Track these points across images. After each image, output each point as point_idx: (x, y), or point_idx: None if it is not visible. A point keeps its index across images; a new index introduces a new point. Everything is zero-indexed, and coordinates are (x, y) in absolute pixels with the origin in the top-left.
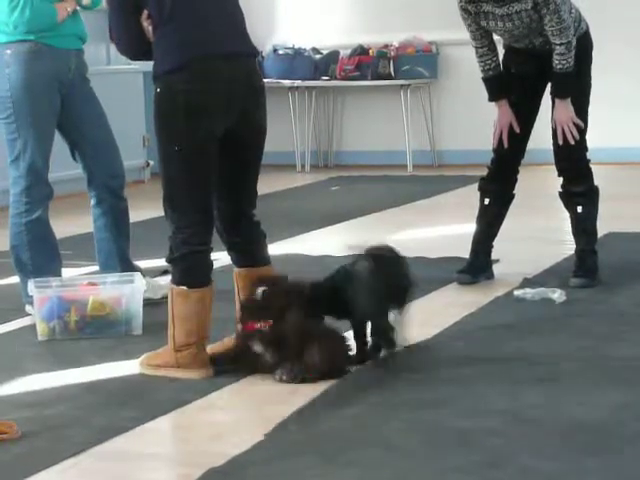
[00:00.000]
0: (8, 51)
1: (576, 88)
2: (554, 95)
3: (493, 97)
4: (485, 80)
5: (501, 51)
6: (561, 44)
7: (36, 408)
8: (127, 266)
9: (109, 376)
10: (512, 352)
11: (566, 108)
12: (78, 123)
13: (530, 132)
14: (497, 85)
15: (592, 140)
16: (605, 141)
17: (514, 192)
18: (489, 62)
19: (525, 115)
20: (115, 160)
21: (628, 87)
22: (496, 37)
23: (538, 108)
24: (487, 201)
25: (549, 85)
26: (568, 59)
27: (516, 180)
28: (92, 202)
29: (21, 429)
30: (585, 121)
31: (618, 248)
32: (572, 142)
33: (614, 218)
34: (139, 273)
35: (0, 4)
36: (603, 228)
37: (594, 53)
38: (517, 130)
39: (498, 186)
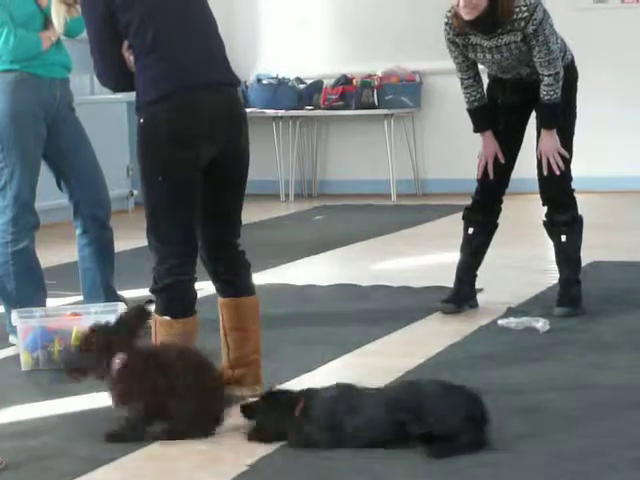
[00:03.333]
0: None
1: (562, 119)
2: (540, 126)
3: (478, 128)
4: (470, 111)
5: (485, 80)
6: (549, 75)
7: (20, 438)
8: (111, 296)
9: (93, 407)
10: (496, 381)
11: (552, 138)
12: (64, 152)
13: (514, 162)
14: (482, 116)
15: (576, 169)
16: (590, 170)
17: (498, 221)
18: (474, 93)
19: (510, 145)
20: (101, 190)
21: (613, 116)
22: (481, 67)
23: (522, 138)
24: (471, 230)
25: (533, 114)
26: (556, 90)
27: (500, 210)
28: (77, 232)
29: (5, 459)
30: (570, 151)
31: (602, 277)
32: (557, 172)
33: (598, 247)
34: (123, 303)
35: None
36: (587, 257)
37: (579, 81)
38: (502, 160)
39: (482, 216)
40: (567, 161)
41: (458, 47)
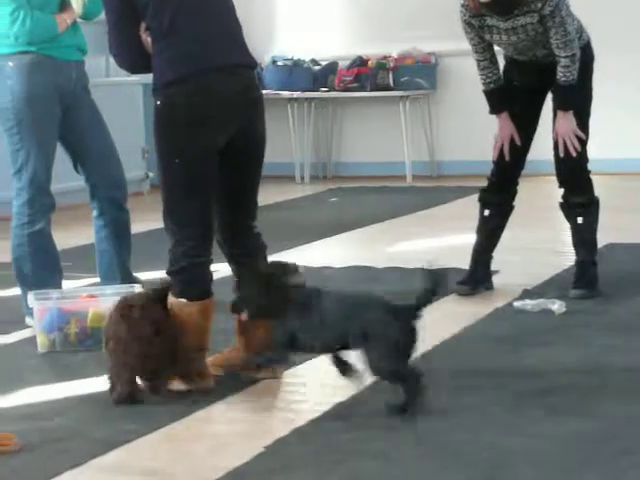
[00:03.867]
0: (10, 63)
1: (578, 100)
2: (556, 107)
3: (494, 110)
4: (486, 93)
5: (501, 62)
6: (566, 56)
7: (36, 420)
8: (128, 278)
9: (109, 389)
10: (512, 364)
11: (568, 120)
12: (80, 134)
13: (530, 144)
14: (498, 98)
15: (593, 151)
16: (606, 152)
17: (514, 203)
18: (490, 75)
19: (526, 127)
20: (117, 171)
21: (630, 97)
22: (497, 48)
23: (538, 119)
24: (487, 212)
25: (549, 96)
26: (572, 71)
27: (516, 191)
28: (94, 214)
29: (20, 441)
30: (586, 132)
31: (618, 259)
32: (574, 154)
33: (614, 229)
34: (139, 285)
35: (1, 16)
36: (603, 239)
37: (595, 63)
38: (518, 142)
39: (498, 197)
40: (583, 142)
41: (474, 29)
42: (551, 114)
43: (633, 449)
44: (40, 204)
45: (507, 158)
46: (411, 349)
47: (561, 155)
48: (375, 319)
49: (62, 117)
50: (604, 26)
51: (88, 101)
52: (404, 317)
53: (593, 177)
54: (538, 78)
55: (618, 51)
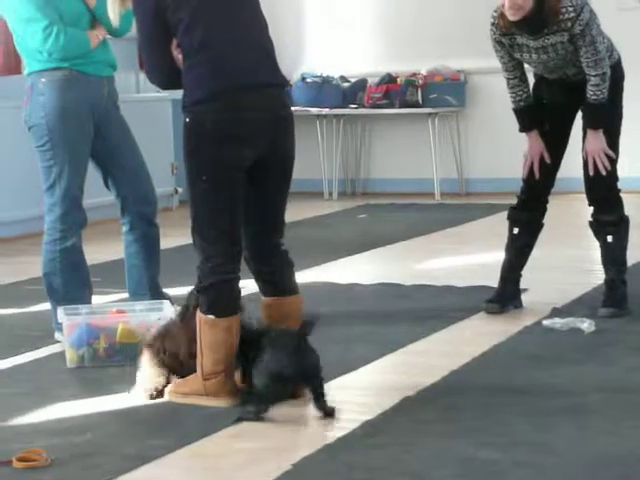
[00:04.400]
0: (43, 79)
1: (608, 119)
2: (586, 126)
3: (524, 128)
4: (516, 111)
5: (531, 79)
6: (596, 75)
7: (65, 436)
8: (157, 294)
9: (138, 404)
10: (541, 382)
11: (598, 139)
12: (111, 150)
13: (560, 162)
14: (528, 116)
15: (623, 168)
16: (635, 170)
17: (543, 221)
18: (520, 93)
19: (556, 145)
20: (148, 187)
21: None
22: (526, 66)
23: (568, 137)
24: (516, 230)
25: (579, 114)
26: (602, 90)
27: (545, 209)
28: (124, 229)
29: (50, 457)
30: (616, 151)
31: None
32: (604, 173)
33: None
34: (168, 301)
35: (34, 32)
36: (633, 257)
37: (625, 82)
38: (548, 161)
39: (528, 215)
40: (613, 161)
41: (504, 47)
42: (581, 132)
43: None
44: (72, 220)
45: (537, 176)
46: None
47: (591, 174)
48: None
49: (93, 133)
50: (633, 44)
51: (118, 117)
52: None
53: (623, 195)
54: (568, 96)
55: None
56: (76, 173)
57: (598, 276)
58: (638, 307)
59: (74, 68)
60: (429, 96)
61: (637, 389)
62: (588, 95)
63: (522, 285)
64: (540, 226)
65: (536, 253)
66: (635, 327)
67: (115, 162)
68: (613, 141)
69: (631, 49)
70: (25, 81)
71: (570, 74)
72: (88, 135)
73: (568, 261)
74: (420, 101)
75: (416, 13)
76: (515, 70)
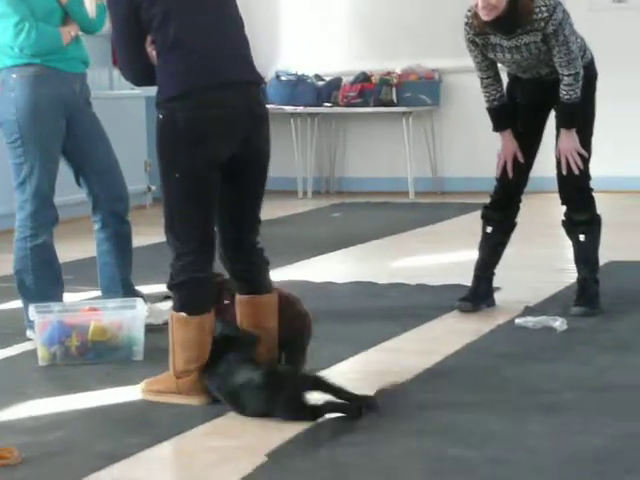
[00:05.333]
0: (14, 75)
1: (581, 118)
2: (559, 125)
3: (498, 127)
4: (490, 110)
5: (505, 79)
6: (569, 75)
7: (37, 434)
8: (129, 291)
9: (110, 402)
10: (513, 380)
11: (571, 138)
12: (83, 147)
13: (533, 161)
14: (502, 115)
15: (596, 169)
16: (610, 170)
17: (516, 220)
18: (494, 92)
19: (529, 144)
20: (119, 184)
21: (634, 115)
22: (500, 66)
23: (541, 137)
24: (490, 229)
25: (552, 114)
26: (575, 89)
27: (519, 208)
28: (96, 227)
29: (21, 455)
30: (589, 150)
31: (621, 277)
32: (576, 172)
33: (617, 247)
34: (141, 299)
35: (4, 28)
36: (606, 257)
37: (598, 81)
38: (521, 160)
39: (501, 215)
40: (586, 161)
41: (478, 47)
42: (554, 131)
43: (635, 468)
44: (43, 217)
45: (510, 176)
46: None
47: (564, 173)
48: None
49: (67, 129)
50: (606, 44)
51: (90, 114)
52: None
53: (598, 194)
54: (541, 96)
55: (620, 69)
56: (47, 170)
57: (571, 275)
58: (610, 306)
59: (46, 64)
60: (404, 95)
61: (609, 387)
62: (561, 95)
63: (495, 284)
64: (513, 225)
65: (509, 252)
66: (607, 326)
67: (86, 159)
68: (586, 140)
69: (603, 49)
70: None
71: (543, 74)
72: (60, 132)
73: (541, 260)
74: (395, 100)
75: (391, 12)
76: (489, 70)
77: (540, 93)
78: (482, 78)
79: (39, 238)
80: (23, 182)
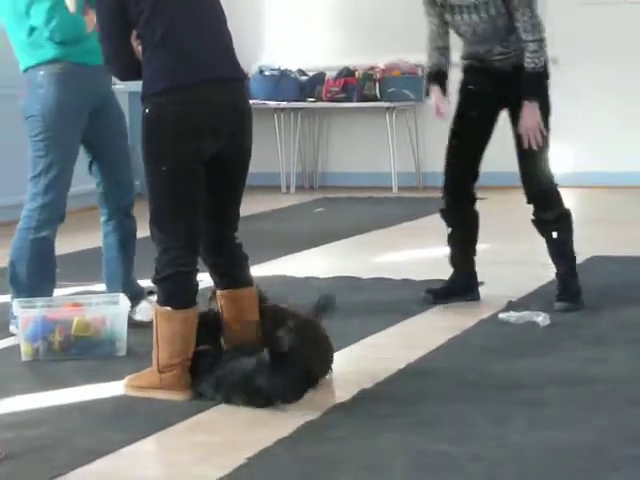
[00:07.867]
0: (41, 72)
1: (543, 96)
2: (523, 97)
3: (430, 83)
4: (431, 74)
5: (458, 75)
6: (533, 41)
7: (19, 429)
8: (131, 286)
9: (93, 397)
10: (496, 375)
11: (535, 113)
12: (103, 138)
13: (482, 153)
14: (435, 76)
15: (577, 163)
16: (589, 165)
17: (475, 208)
18: (441, 58)
19: (480, 133)
20: (129, 177)
21: (613, 111)
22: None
23: (492, 129)
24: (452, 229)
25: (504, 113)
26: (540, 57)
27: (474, 200)
28: (102, 219)
29: (4, 450)
30: (548, 147)
31: (602, 271)
32: (535, 148)
33: (598, 241)
34: (123, 294)
35: (37, 12)
36: (587, 252)
37: (568, 78)
38: (443, 110)
39: (459, 214)
40: (546, 160)
41: (436, 7)
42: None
43: (618, 463)
44: (51, 212)
45: (456, 171)
46: None
47: (525, 147)
48: None
49: (91, 119)
50: (577, 42)
51: (115, 105)
52: None
53: (568, 190)
54: (494, 87)
55: (592, 66)
56: (63, 168)
57: (553, 270)
58: (592, 301)
59: (71, 60)
60: (387, 90)
61: (592, 382)
62: (526, 64)
63: (478, 279)
64: (476, 217)
65: (491, 247)
66: (589, 321)
67: (105, 150)
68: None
69: (588, 43)
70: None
71: (496, 52)
72: (81, 130)
73: (524, 255)
74: (378, 95)
75: (374, 7)
76: (439, 39)
77: (493, 85)
78: (434, 48)
79: (42, 232)
80: (38, 175)
